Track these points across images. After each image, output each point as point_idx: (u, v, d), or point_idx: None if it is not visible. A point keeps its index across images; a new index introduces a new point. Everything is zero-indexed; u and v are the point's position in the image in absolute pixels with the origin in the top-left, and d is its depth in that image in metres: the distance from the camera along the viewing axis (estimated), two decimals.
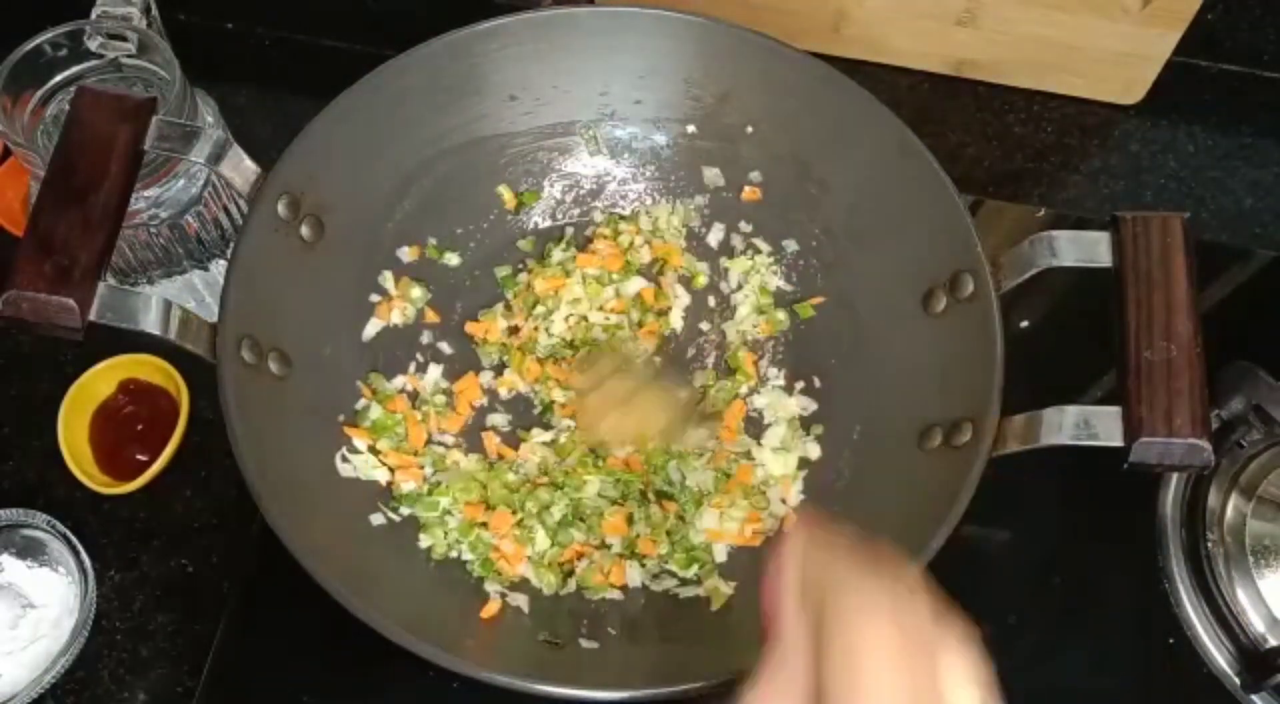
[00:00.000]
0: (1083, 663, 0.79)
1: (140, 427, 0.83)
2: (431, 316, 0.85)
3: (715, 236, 0.89)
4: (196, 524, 0.82)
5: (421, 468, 0.78)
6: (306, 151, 0.74)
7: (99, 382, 0.83)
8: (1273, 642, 0.77)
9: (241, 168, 0.71)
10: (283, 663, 0.78)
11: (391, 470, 0.78)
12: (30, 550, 0.79)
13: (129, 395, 0.84)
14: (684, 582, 0.76)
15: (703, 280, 0.88)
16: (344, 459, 0.77)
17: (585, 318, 0.84)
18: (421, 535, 0.76)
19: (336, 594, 0.63)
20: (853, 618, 0.40)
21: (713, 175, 0.89)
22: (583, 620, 0.74)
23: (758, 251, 0.88)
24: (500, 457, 0.81)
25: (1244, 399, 0.82)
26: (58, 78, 0.79)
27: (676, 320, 0.86)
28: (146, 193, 0.80)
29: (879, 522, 0.73)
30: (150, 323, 0.64)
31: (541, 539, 0.76)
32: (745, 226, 0.89)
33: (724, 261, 0.88)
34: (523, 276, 0.87)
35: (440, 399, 0.82)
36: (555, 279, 0.84)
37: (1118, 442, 0.62)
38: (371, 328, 0.83)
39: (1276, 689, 0.76)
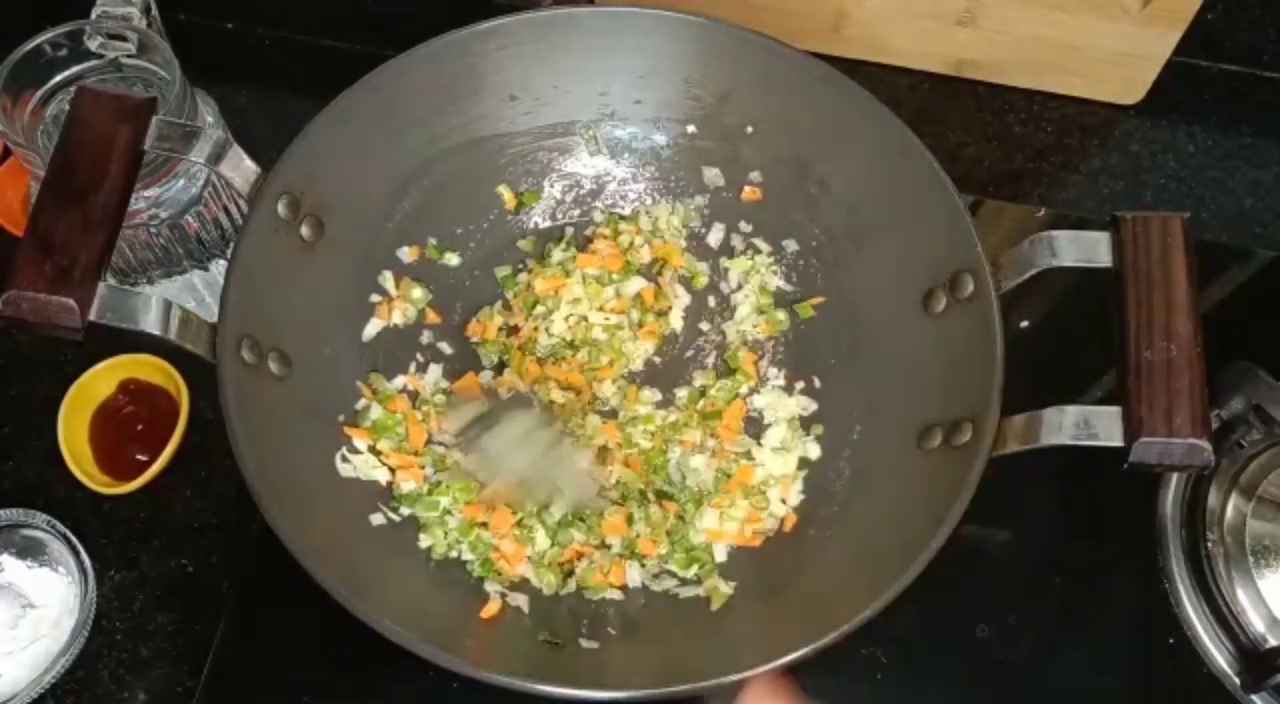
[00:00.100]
0: (1083, 663, 0.79)
1: (140, 427, 0.83)
2: (432, 317, 0.85)
3: (715, 236, 0.89)
4: (196, 524, 0.83)
5: (422, 468, 0.78)
6: (306, 151, 0.74)
7: (99, 382, 0.83)
8: (1273, 642, 0.77)
9: (241, 168, 0.71)
10: (283, 663, 0.78)
11: (392, 470, 0.78)
12: (30, 550, 0.79)
13: (129, 395, 0.84)
14: (684, 582, 0.76)
15: (703, 280, 0.88)
16: (344, 459, 0.77)
17: (585, 318, 0.84)
18: (421, 535, 0.76)
19: (336, 594, 0.63)
20: None
21: (713, 175, 0.89)
22: (583, 620, 0.74)
23: (758, 251, 0.88)
24: None
25: (1244, 399, 0.82)
26: (58, 78, 0.79)
27: (676, 320, 0.86)
28: (146, 193, 0.80)
29: (879, 522, 0.73)
30: (150, 323, 0.64)
31: (541, 539, 0.76)
32: (745, 226, 0.89)
33: (724, 261, 0.88)
34: (523, 276, 0.87)
35: (440, 399, 0.82)
36: (555, 279, 0.84)
37: (1118, 442, 0.62)
38: (372, 328, 0.83)
39: (1276, 689, 0.76)
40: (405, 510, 0.77)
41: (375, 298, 0.84)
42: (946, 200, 0.75)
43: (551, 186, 0.90)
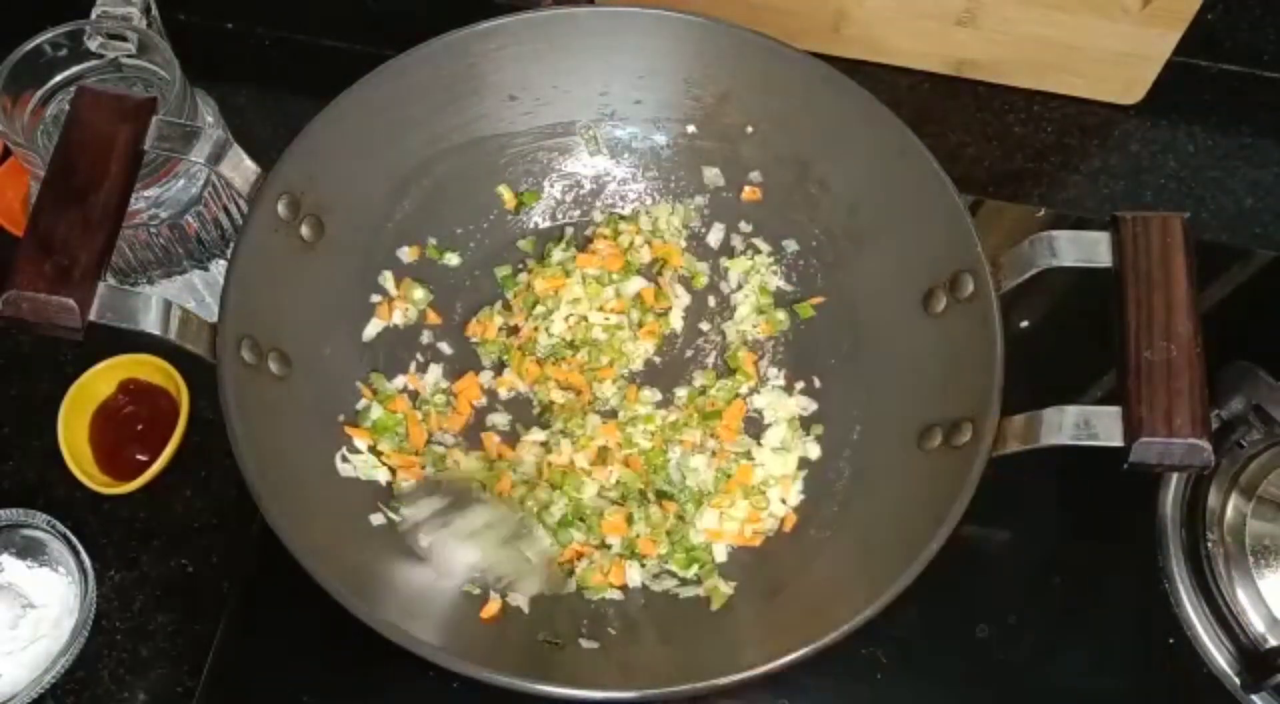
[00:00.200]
0: (1083, 663, 0.79)
1: (140, 427, 0.83)
2: (432, 317, 0.85)
3: (715, 236, 0.89)
4: (196, 524, 0.82)
5: (422, 468, 0.78)
6: (306, 151, 0.74)
7: (99, 381, 0.83)
8: (1273, 642, 0.77)
9: (241, 168, 0.71)
10: (283, 663, 0.78)
11: (392, 471, 0.78)
12: (30, 550, 0.79)
13: (129, 395, 0.84)
14: (684, 582, 0.76)
15: (703, 280, 0.88)
16: (344, 459, 0.77)
17: (585, 318, 0.84)
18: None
19: (336, 594, 0.63)
20: None
21: (713, 175, 0.89)
22: (583, 620, 0.74)
23: (758, 251, 0.88)
24: (500, 456, 0.81)
25: (1244, 399, 0.82)
26: (58, 78, 0.79)
27: (676, 320, 0.86)
28: (146, 193, 0.80)
29: (879, 522, 0.73)
30: (150, 323, 0.64)
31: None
32: (745, 226, 0.89)
33: (724, 261, 0.88)
34: (523, 277, 0.87)
35: (440, 399, 0.82)
36: (555, 279, 0.84)
37: (1118, 442, 0.62)
38: (372, 328, 0.83)
39: (1276, 689, 0.76)
40: (405, 510, 0.77)
41: (375, 298, 0.84)
42: (946, 200, 0.75)
43: (551, 186, 0.90)
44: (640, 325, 0.85)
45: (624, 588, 0.76)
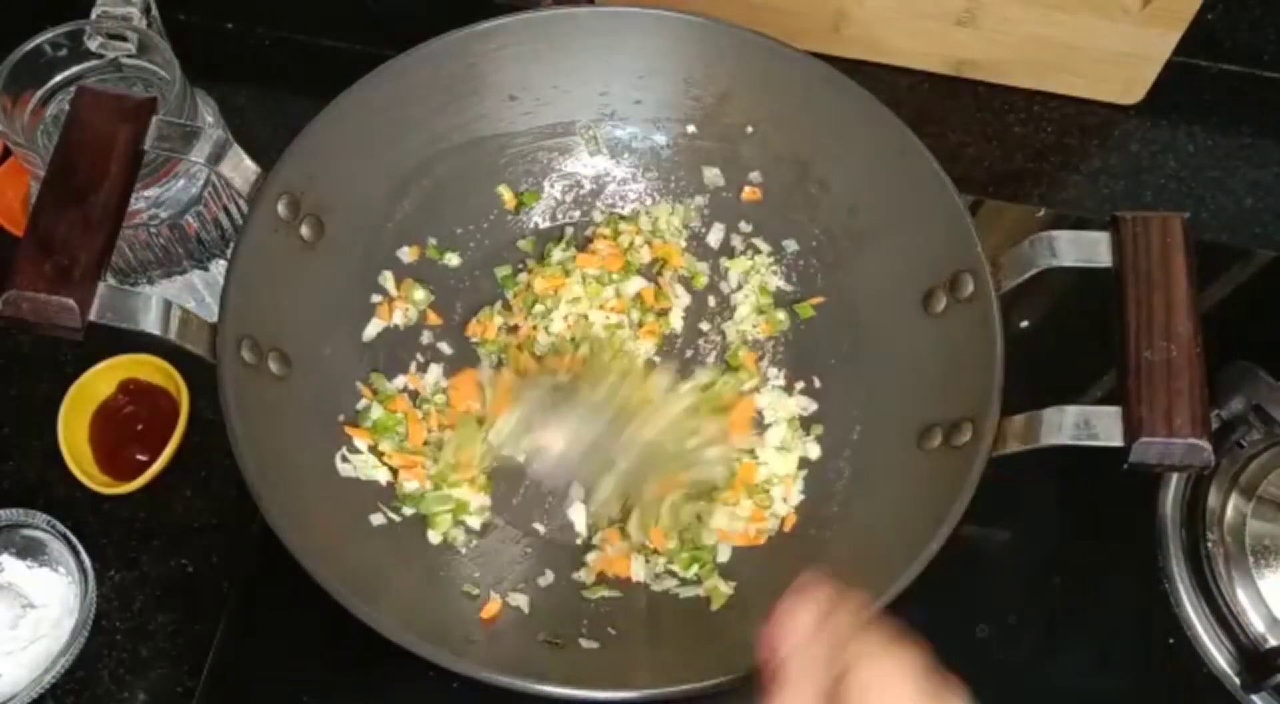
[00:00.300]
0: (1083, 663, 0.79)
1: (140, 427, 0.83)
2: (433, 318, 0.85)
3: (715, 236, 0.89)
4: (196, 524, 0.82)
5: (425, 467, 0.78)
6: (306, 151, 0.74)
7: (99, 382, 0.83)
8: (1273, 642, 0.77)
9: (241, 168, 0.71)
10: (283, 663, 0.78)
11: (394, 471, 0.78)
12: (30, 550, 0.79)
13: (129, 395, 0.84)
14: (684, 582, 0.76)
15: (703, 280, 0.88)
16: (344, 459, 0.77)
17: (585, 317, 0.84)
18: (430, 532, 0.76)
19: (336, 594, 0.63)
20: (878, 678, 0.43)
21: (713, 175, 0.89)
22: (583, 620, 0.74)
23: (758, 251, 0.88)
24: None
25: (1244, 399, 0.82)
26: (58, 78, 0.79)
27: (676, 320, 0.86)
28: (146, 193, 0.80)
29: (879, 522, 0.73)
30: (150, 323, 0.64)
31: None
32: (745, 226, 0.89)
33: (724, 262, 0.88)
34: (523, 276, 0.87)
35: (441, 398, 0.82)
36: (555, 278, 0.84)
37: (1118, 442, 0.62)
38: (373, 328, 0.83)
39: (1276, 689, 0.76)
40: (407, 510, 0.77)
41: (376, 298, 0.84)
42: (946, 200, 0.75)
43: (551, 186, 0.90)
44: (640, 325, 0.85)
45: (624, 586, 0.76)
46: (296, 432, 0.73)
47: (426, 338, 0.85)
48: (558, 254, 0.86)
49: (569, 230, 0.89)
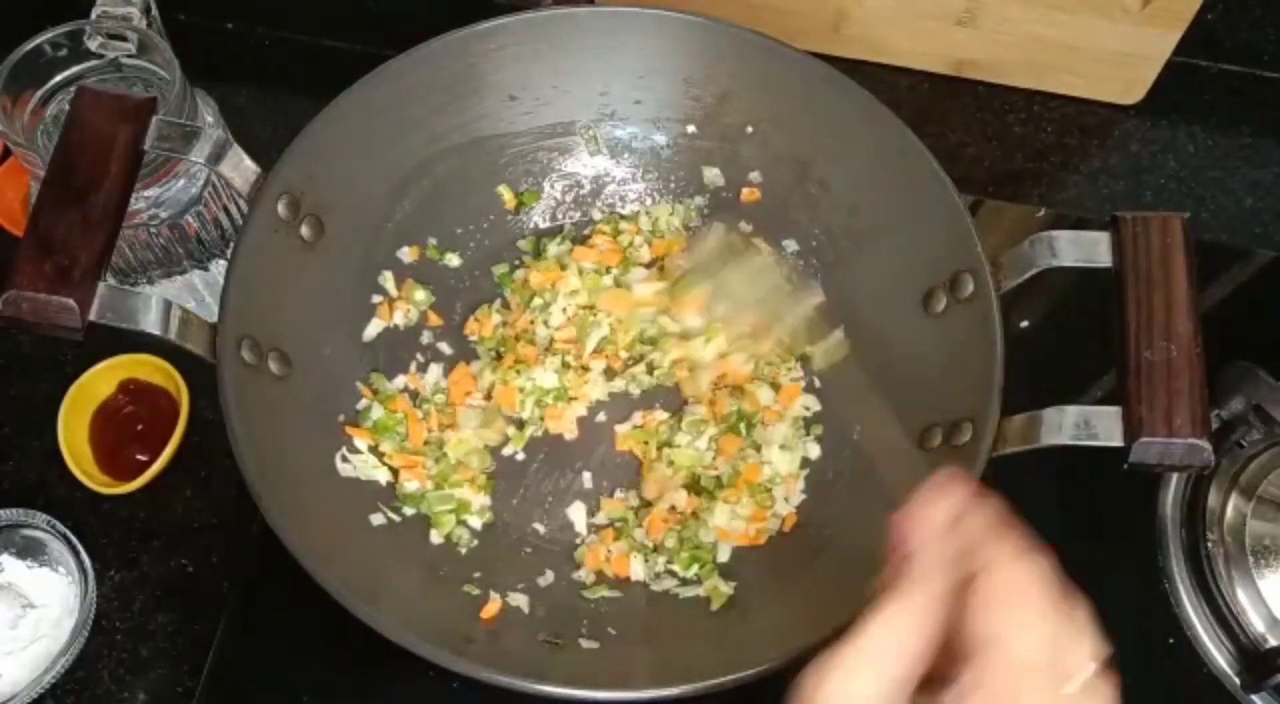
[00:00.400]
0: None
1: (140, 427, 0.83)
2: (434, 319, 0.85)
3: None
4: (196, 524, 0.82)
5: (425, 467, 0.78)
6: (306, 151, 0.74)
7: (99, 382, 0.83)
8: (1273, 642, 0.77)
9: (241, 168, 0.71)
10: (283, 663, 0.78)
11: (394, 471, 0.78)
12: (30, 550, 0.79)
13: (129, 395, 0.84)
14: (684, 582, 0.76)
15: None
16: (344, 459, 0.77)
17: (589, 307, 0.84)
18: (433, 532, 0.76)
19: (336, 594, 0.63)
20: (1009, 586, 0.42)
21: (713, 175, 0.88)
22: (583, 620, 0.74)
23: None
24: None
25: (1244, 399, 0.82)
26: (58, 78, 0.79)
27: None
28: (146, 193, 0.80)
29: (879, 521, 0.73)
30: (150, 323, 0.64)
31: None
32: (745, 226, 0.88)
33: None
34: (519, 273, 0.87)
35: (441, 398, 0.82)
36: (551, 272, 0.84)
37: (1118, 442, 0.62)
38: (373, 328, 0.83)
39: (1276, 689, 0.76)
40: (407, 510, 0.77)
41: (376, 298, 0.84)
42: (946, 200, 0.75)
43: (551, 186, 0.90)
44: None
45: (624, 586, 0.76)
46: (296, 432, 0.73)
47: (426, 338, 0.85)
48: (553, 249, 0.86)
49: (569, 230, 0.89)
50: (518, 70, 0.83)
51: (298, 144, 0.74)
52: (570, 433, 0.82)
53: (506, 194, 0.88)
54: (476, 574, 0.75)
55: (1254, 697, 0.77)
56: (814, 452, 0.81)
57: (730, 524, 0.77)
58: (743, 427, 0.80)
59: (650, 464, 0.80)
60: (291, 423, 0.73)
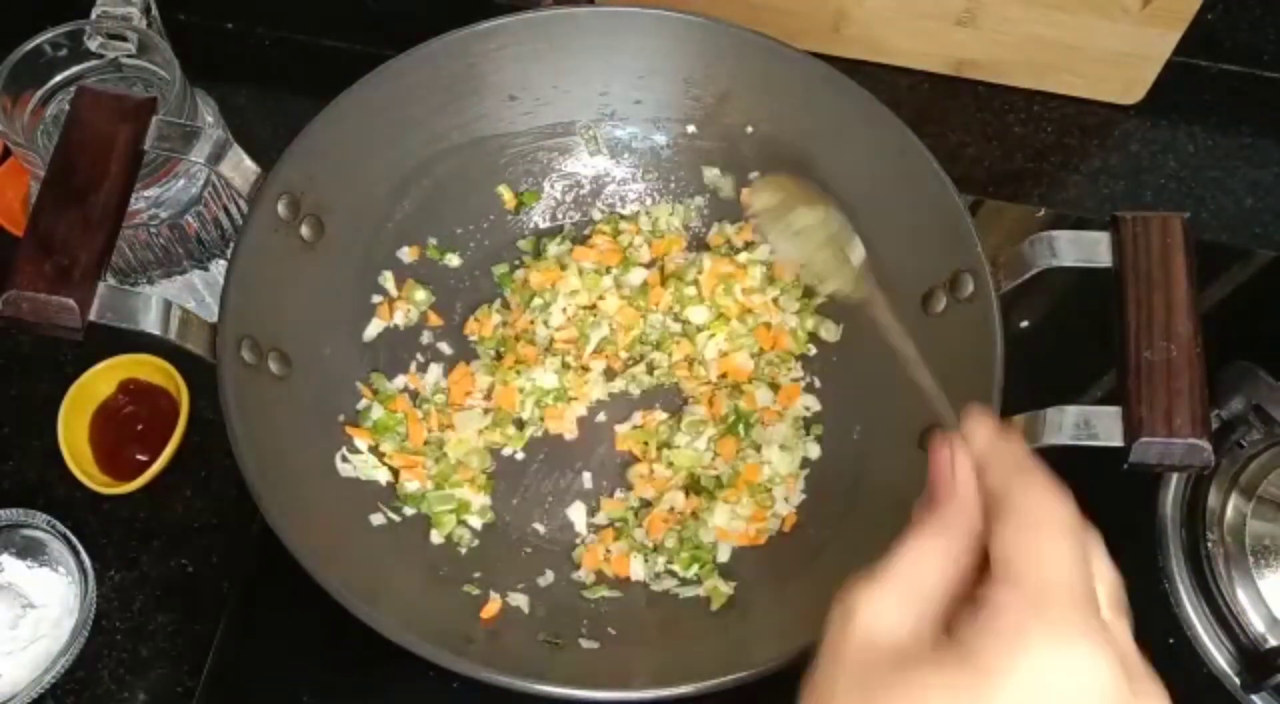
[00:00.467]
0: None
1: (140, 427, 0.83)
2: (434, 319, 0.85)
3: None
4: (196, 524, 0.82)
5: (425, 467, 0.78)
6: (306, 151, 0.74)
7: (99, 382, 0.83)
8: (1273, 642, 0.77)
9: (241, 168, 0.71)
10: (283, 663, 0.78)
11: (394, 471, 0.78)
12: (30, 550, 0.79)
13: (129, 395, 0.84)
14: (684, 582, 0.76)
15: None
16: (344, 459, 0.77)
17: (590, 306, 0.84)
18: (433, 532, 0.76)
19: (336, 594, 0.63)
20: (1042, 516, 0.43)
21: (713, 175, 0.89)
22: (583, 620, 0.74)
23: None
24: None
25: (1244, 399, 0.82)
26: (58, 78, 0.79)
27: None
28: (146, 193, 0.80)
29: (879, 522, 0.73)
30: (150, 323, 0.64)
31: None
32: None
33: None
34: (519, 273, 0.87)
35: (441, 398, 0.82)
36: (550, 272, 0.84)
37: (1118, 442, 0.62)
38: (373, 328, 0.83)
39: (1276, 689, 0.76)
40: (407, 510, 0.77)
41: (376, 298, 0.84)
42: (946, 200, 0.75)
43: (551, 186, 0.90)
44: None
45: (624, 586, 0.76)
46: (296, 432, 0.73)
47: (426, 338, 0.85)
48: (553, 249, 0.86)
49: (569, 230, 0.89)
50: (518, 70, 0.83)
51: (298, 144, 0.74)
52: (570, 433, 0.82)
53: (506, 194, 0.88)
54: (476, 574, 0.75)
55: (1254, 697, 0.77)
56: (814, 452, 0.81)
57: (730, 524, 0.77)
58: (742, 427, 0.80)
59: (649, 462, 0.80)
60: (291, 423, 0.73)
